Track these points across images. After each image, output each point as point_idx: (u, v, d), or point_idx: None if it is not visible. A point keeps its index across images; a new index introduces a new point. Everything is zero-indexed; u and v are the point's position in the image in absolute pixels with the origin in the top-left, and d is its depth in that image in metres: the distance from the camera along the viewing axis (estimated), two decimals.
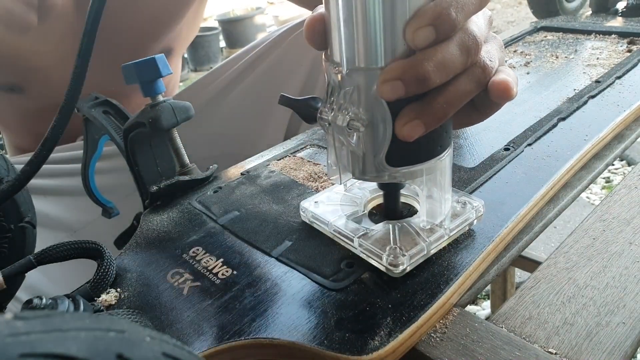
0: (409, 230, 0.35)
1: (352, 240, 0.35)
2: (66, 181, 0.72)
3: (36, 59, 0.70)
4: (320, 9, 0.31)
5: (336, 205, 0.39)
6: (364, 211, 0.39)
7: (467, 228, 0.36)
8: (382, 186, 0.37)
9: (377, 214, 0.39)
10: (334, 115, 0.32)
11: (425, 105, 0.29)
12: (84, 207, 0.64)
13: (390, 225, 0.36)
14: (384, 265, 0.33)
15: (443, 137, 0.32)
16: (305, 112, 0.36)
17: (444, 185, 0.34)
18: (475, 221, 0.37)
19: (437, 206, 0.35)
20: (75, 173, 0.66)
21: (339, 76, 0.31)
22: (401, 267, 0.32)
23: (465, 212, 0.36)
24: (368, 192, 0.40)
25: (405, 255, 0.32)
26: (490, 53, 0.31)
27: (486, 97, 0.31)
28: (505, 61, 0.35)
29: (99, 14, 0.36)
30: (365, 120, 0.30)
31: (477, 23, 0.30)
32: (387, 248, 0.33)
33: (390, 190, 0.37)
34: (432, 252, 0.34)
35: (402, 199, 0.38)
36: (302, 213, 0.40)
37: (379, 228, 0.36)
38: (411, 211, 0.38)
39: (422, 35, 0.27)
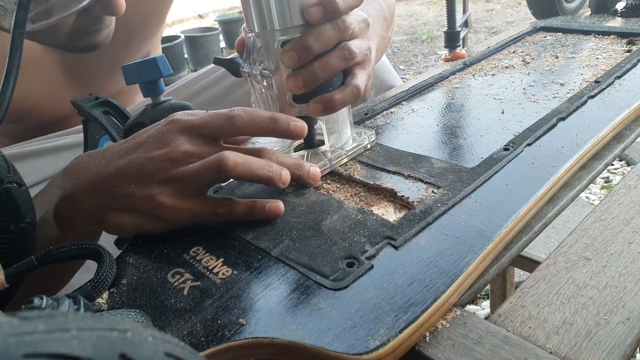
0: (318, 153, 0.48)
1: None
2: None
3: None
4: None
5: (270, 142, 0.52)
6: (289, 147, 0.51)
7: (362, 150, 0.51)
8: None
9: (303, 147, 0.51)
10: (251, 67, 0.44)
11: (307, 68, 0.42)
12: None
13: (305, 152, 0.49)
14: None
15: (334, 82, 0.44)
16: (232, 68, 0.46)
17: (338, 119, 0.48)
18: (368, 145, 0.51)
19: (338, 135, 0.49)
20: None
21: (252, 39, 0.43)
22: None
23: (360, 139, 0.50)
24: None
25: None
26: (359, 46, 0.44)
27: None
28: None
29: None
30: (272, 69, 0.43)
31: (351, 15, 0.43)
32: None
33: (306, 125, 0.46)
34: (335, 165, 0.48)
35: (319, 137, 0.50)
36: None
37: (297, 154, 0.49)
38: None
39: (315, 10, 0.41)
